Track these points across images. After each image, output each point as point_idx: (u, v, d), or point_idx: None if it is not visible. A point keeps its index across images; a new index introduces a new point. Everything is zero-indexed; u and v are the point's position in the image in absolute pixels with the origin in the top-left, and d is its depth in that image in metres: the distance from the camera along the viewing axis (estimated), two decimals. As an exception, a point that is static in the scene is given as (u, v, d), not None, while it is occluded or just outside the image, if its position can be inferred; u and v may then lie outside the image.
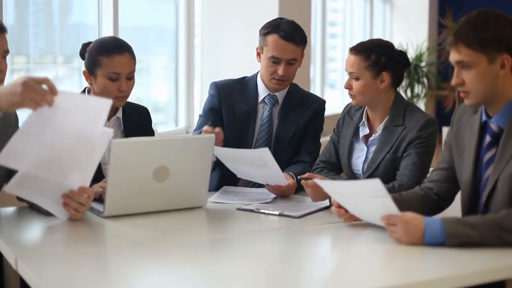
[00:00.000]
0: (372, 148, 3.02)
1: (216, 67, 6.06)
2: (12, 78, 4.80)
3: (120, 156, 2.55)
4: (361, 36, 8.95)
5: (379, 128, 3.01)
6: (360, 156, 3.07)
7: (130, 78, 3.02)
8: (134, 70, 3.03)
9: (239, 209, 2.81)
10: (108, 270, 2.11)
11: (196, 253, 2.26)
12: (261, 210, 2.77)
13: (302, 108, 3.45)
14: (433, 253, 2.19)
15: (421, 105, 8.81)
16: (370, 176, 2.98)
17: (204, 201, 2.83)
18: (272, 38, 3.31)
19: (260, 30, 3.40)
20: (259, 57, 3.41)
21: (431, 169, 2.85)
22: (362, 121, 3.07)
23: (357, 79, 2.96)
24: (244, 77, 3.54)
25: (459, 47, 2.34)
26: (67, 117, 2.36)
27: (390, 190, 2.79)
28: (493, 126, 2.41)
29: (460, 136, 2.54)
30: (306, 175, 2.83)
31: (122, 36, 5.06)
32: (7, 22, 4.83)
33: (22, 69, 4.87)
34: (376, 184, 2.28)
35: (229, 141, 3.30)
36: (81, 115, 2.38)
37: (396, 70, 2.98)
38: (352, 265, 2.15)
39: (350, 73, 2.98)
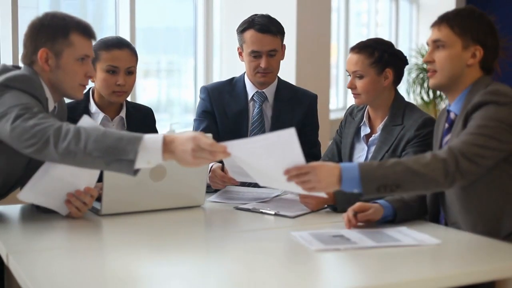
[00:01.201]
0: (373, 148, 3.02)
1: (234, 66, 6.06)
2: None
3: (116, 155, 2.57)
4: (386, 38, 8.88)
5: (379, 128, 3.01)
6: (360, 156, 3.07)
7: (130, 73, 3.07)
8: (134, 67, 3.09)
9: (236, 208, 2.82)
10: (102, 266, 2.12)
11: (192, 251, 2.27)
12: (258, 210, 2.77)
13: (295, 103, 3.47)
14: (423, 252, 2.19)
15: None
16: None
17: (202, 200, 2.84)
18: (249, 33, 3.36)
19: (236, 30, 3.45)
20: (241, 57, 3.45)
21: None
22: (363, 120, 3.07)
23: (361, 77, 2.96)
24: (233, 78, 3.58)
25: (441, 27, 2.48)
26: None
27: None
28: (451, 114, 2.52)
29: (437, 130, 2.64)
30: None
31: (139, 37, 5.11)
32: None
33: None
34: (290, 134, 2.21)
35: (224, 141, 3.33)
36: None
37: (398, 66, 3.00)
38: (344, 264, 2.14)
39: (353, 72, 2.98)
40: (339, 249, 2.20)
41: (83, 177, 2.58)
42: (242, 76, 3.52)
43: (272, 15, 5.52)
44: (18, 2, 4.08)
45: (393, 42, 8.79)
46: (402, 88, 8.55)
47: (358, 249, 2.20)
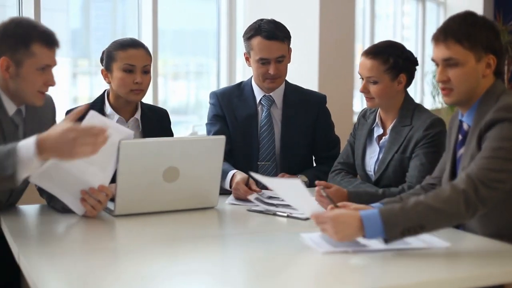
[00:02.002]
0: (384, 149, 3.02)
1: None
2: (76, 81, 4.93)
3: (129, 157, 2.60)
4: (413, 40, 8.86)
5: (389, 129, 3.01)
6: (372, 157, 3.08)
7: (146, 72, 3.10)
8: (149, 66, 3.13)
9: (249, 210, 2.83)
10: (114, 267, 2.14)
11: (204, 252, 2.29)
12: (270, 212, 2.78)
13: (304, 106, 3.47)
14: (433, 255, 2.17)
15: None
16: (380, 176, 3.00)
17: (215, 202, 2.85)
18: (256, 41, 3.34)
19: (243, 36, 3.44)
20: (248, 62, 3.45)
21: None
22: (376, 122, 3.07)
23: (375, 83, 2.95)
24: (241, 82, 3.59)
25: (448, 43, 2.33)
26: None
27: (400, 193, 2.79)
28: (465, 125, 2.44)
29: (449, 139, 2.56)
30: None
31: (161, 39, 5.13)
32: (72, 26, 4.98)
33: (86, 72, 4.98)
34: (297, 184, 2.24)
35: (236, 146, 3.40)
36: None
37: (411, 70, 3.01)
38: (352, 267, 2.13)
39: (367, 77, 2.97)
40: (347, 251, 2.19)
41: (96, 175, 2.60)
42: (250, 80, 3.53)
43: (295, 17, 5.54)
44: (47, 5, 4.11)
45: (420, 45, 8.88)
46: (427, 92, 8.52)
47: (367, 252, 2.19)
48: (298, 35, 5.72)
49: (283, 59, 3.37)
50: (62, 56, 4.73)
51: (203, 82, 6.07)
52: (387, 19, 8.62)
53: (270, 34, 3.32)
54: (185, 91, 5.99)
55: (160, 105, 4.45)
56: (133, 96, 3.09)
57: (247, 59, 3.46)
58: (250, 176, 2.92)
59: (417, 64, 3.03)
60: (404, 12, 8.77)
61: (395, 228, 2.14)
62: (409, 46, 8.78)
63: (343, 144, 3.39)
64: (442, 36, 2.35)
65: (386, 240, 2.17)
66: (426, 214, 2.14)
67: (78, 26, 5.05)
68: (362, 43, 7.60)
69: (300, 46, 5.75)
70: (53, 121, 2.85)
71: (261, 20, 3.41)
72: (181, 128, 5.37)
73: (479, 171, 2.20)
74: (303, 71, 5.60)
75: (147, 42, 4.86)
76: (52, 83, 2.65)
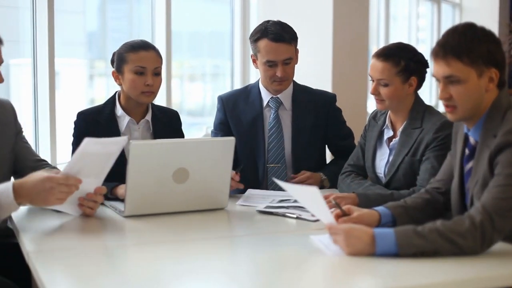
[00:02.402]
0: (394, 151, 3.02)
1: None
2: (93, 82, 4.96)
3: (139, 158, 2.62)
4: (428, 42, 8.82)
5: (399, 131, 3.00)
6: (382, 159, 3.08)
7: (157, 74, 3.12)
8: (160, 68, 3.14)
9: (259, 211, 2.83)
10: (123, 268, 2.16)
11: (213, 253, 2.30)
12: (280, 213, 2.78)
13: (313, 106, 3.47)
14: (441, 256, 2.16)
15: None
16: (391, 179, 3.00)
17: (225, 203, 2.86)
18: (263, 43, 3.34)
19: (249, 38, 3.43)
20: (255, 64, 3.44)
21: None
22: (386, 124, 3.07)
23: (385, 85, 2.94)
24: (248, 85, 3.60)
25: (448, 60, 2.27)
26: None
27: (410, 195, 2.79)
28: (471, 139, 2.40)
29: (455, 145, 2.53)
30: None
31: (177, 41, 5.14)
32: (89, 28, 5.00)
33: (102, 74, 5.01)
34: (314, 192, 2.24)
35: (241, 150, 3.40)
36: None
37: (422, 73, 2.99)
38: (359, 268, 2.13)
39: (378, 80, 2.96)
40: None
41: (91, 183, 2.61)
42: (257, 83, 3.53)
43: (308, 18, 5.54)
44: (63, 7, 4.13)
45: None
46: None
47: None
48: (311, 36, 5.74)
49: (290, 61, 3.37)
50: (78, 58, 4.78)
51: (219, 84, 6.08)
52: (402, 21, 8.59)
53: (277, 36, 3.31)
54: (201, 93, 6.00)
55: (175, 107, 4.47)
56: (144, 98, 3.10)
57: (254, 61, 3.45)
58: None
59: (427, 67, 3.02)
60: (419, 13, 8.73)
61: (409, 250, 2.14)
62: (424, 48, 8.78)
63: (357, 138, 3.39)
64: (441, 52, 2.29)
65: (398, 254, 2.16)
66: (442, 244, 2.14)
67: (95, 28, 5.08)
68: (376, 45, 7.58)
69: (313, 47, 5.75)
70: (15, 123, 2.87)
71: (268, 21, 3.40)
72: (196, 130, 5.38)
73: (494, 201, 2.19)
74: (316, 73, 5.59)
75: (161, 44, 4.88)
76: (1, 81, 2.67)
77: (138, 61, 3.08)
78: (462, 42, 2.26)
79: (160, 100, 4.85)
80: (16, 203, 2.30)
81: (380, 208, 2.50)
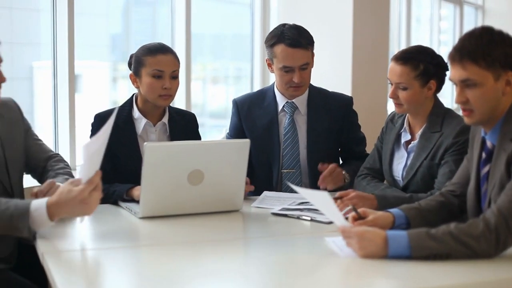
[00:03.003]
0: (412, 155, 3.00)
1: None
2: (116, 85, 5.00)
3: (154, 159, 2.63)
4: (450, 45, 8.78)
5: (418, 135, 2.99)
6: (400, 162, 3.06)
7: (174, 77, 3.13)
8: (178, 71, 3.15)
9: (273, 213, 2.84)
10: (135, 267, 2.18)
11: (226, 254, 2.31)
12: (294, 215, 2.79)
13: (329, 109, 3.43)
14: (455, 259, 2.16)
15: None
16: (409, 182, 2.98)
17: (240, 205, 2.86)
18: (279, 48, 3.28)
19: (265, 42, 3.38)
20: (271, 68, 3.38)
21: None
22: (404, 127, 3.05)
23: (404, 89, 2.92)
24: (263, 88, 3.57)
25: (464, 64, 2.26)
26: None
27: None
28: (488, 143, 2.38)
29: (472, 149, 2.52)
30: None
31: (200, 43, 5.16)
32: (112, 30, 5.04)
33: (126, 76, 5.05)
34: (324, 196, 2.25)
35: (256, 155, 3.38)
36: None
37: (441, 76, 2.96)
38: (377, 271, 2.13)
39: (396, 83, 2.94)
40: None
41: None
42: (272, 86, 3.49)
43: (328, 21, 5.52)
44: (86, 9, 4.16)
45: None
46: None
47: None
48: (331, 38, 5.74)
49: (307, 66, 3.31)
50: (101, 61, 4.82)
51: (241, 86, 6.09)
52: (424, 23, 8.57)
53: (294, 42, 3.25)
54: (224, 95, 6.02)
55: (197, 109, 4.48)
56: (162, 101, 3.11)
57: (269, 65, 3.39)
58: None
59: (447, 70, 3.00)
60: (441, 16, 8.70)
61: (421, 252, 2.14)
62: (446, 50, 8.72)
63: (370, 144, 3.37)
64: (457, 56, 2.28)
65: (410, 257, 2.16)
66: (455, 247, 2.13)
67: (118, 30, 5.11)
68: (398, 47, 7.56)
69: (333, 50, 5.75)
70: (23, 121, 2.87)
71: (284, 25, 3.35)
72: (218, 132, 5.40)
73: (510, 204, 2.17)
74: (336, 75, 5.59)
75: (180, 46, 4.91)
76: (2, 79, 2.63)
77: (156, 65, 3.09)
78: (479, 46, 2.25)
79: (179, 102, 4.88)
80: (50, 220, 2.31)
81: (394, 210, 2.50)
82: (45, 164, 2.88)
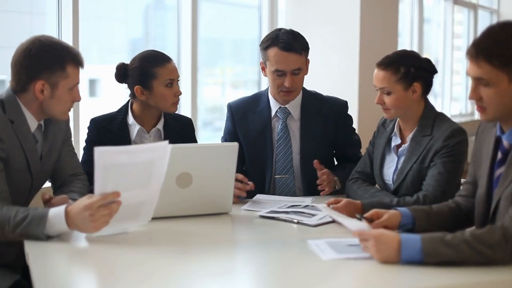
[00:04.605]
0: (402, 158, 3.01)
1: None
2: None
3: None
4: (464, 49, 8.73)
5: (408, 138, 3.00)
6: (390, 166, 3.07)
7: (177, 82, 3.20)
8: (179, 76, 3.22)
9: (261, 216, 2.85)
10: (124, 271, 2.18)
11: (214, 256, 2.32)
12: (281, 218, 2.80)
13: (323, 114, 3.41)
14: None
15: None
16: (399, 186, 2.99)
17: (229, 208, 2.88)
18: (272, 51, 3.27)
19: (260, 45, 3.37)
20: (264, 72, 3.38)
21: (462, 180, 2.80)
22: (394, 131, 3.06)
23: (388, 93, 2.94)
24: (258, 92, 3.57)
25: (479, 61, 2.20)
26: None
27: (415, 202, 2.79)
28: (505, 142, 2.32)
29: (480, 151, 2.45)
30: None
31: (220, 48, 5.18)
32: (132, 35, 5.08)
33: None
34: (329, 211, 2.37)
35: (249, 160, 3.40)
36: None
37: (426, 78, 2.97)
38: (355, 271, 2.14)
39: (380, 89, 2.97)
40: (350, 258, 2.21)
41: (139, 193, 2.51)
42: (267, 91, 3.49)
43: (336, 26, 5.52)
44: (106, 14, 4.18)
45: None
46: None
47: (371, 259, 2.19)
48: (339, 43, 5.74)
49: (300, 71, 3.29)
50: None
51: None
52: (437, 28, 8.53)
53: (287, 46, 3.24)
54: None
55: (215, 114, 4.49)
56: (174, 108, 3.18)
57: (263, 68, 3.39)
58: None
59: (434, 72, 3.01)
60: (455, 20, 8.67)
61: (433, 258, 2.11)
62: (460, 55, 8.69)
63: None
64: (474, 52, 2.21)
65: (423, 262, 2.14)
66: (469, 255, 2.10)
67: (138, 35, 5.15)
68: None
69: (340, 53, 5.76)
70: (66, 130, 2.91)
71: (280, 29, 3.35)
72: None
73: None
74: (343, 79, 5.59)
75: (187, 51, 4.96)
76: (78, 99, 2.73)
77: (168, 74, 3.14)
78: (494, 44, 2.18)
79: (185, 106, 4.93)
80: (68, 229, 2.36)
81: (402, 209, 2.51)
82: (68, 179, 2.89)
